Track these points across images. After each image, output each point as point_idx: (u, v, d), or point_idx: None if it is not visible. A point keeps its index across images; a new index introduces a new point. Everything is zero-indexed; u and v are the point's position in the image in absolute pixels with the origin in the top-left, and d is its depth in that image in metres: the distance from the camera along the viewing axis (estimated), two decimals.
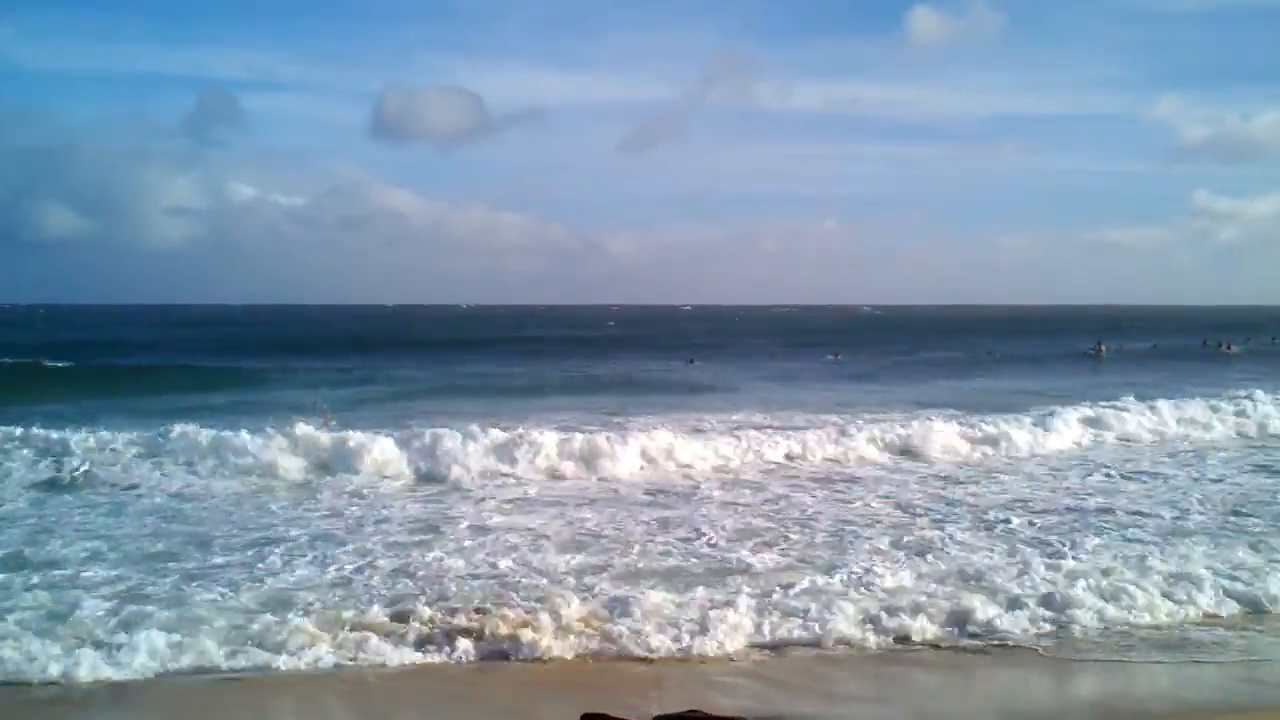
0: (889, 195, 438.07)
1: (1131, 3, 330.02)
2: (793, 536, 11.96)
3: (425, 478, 15.71)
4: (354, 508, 13.64)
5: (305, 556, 10.86)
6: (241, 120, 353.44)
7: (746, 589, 9.45)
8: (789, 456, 17.91)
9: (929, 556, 10.96)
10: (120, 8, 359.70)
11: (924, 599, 9.20)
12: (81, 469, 15.12)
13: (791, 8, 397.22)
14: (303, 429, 16.37)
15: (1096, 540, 11.76)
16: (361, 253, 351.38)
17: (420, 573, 10.20)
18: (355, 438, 16.41)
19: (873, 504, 14.15)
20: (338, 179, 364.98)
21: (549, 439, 16.69)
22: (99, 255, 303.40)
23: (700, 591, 9.45)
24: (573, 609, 8.68)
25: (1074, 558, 10.85)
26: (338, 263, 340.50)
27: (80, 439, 16.27)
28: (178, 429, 16.48)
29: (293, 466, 15.57)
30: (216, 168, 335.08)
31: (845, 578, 10.01)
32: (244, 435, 16.22)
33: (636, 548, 11.35)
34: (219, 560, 10.83)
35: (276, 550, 11.09)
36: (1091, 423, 21.21)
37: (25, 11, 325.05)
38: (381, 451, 16.04)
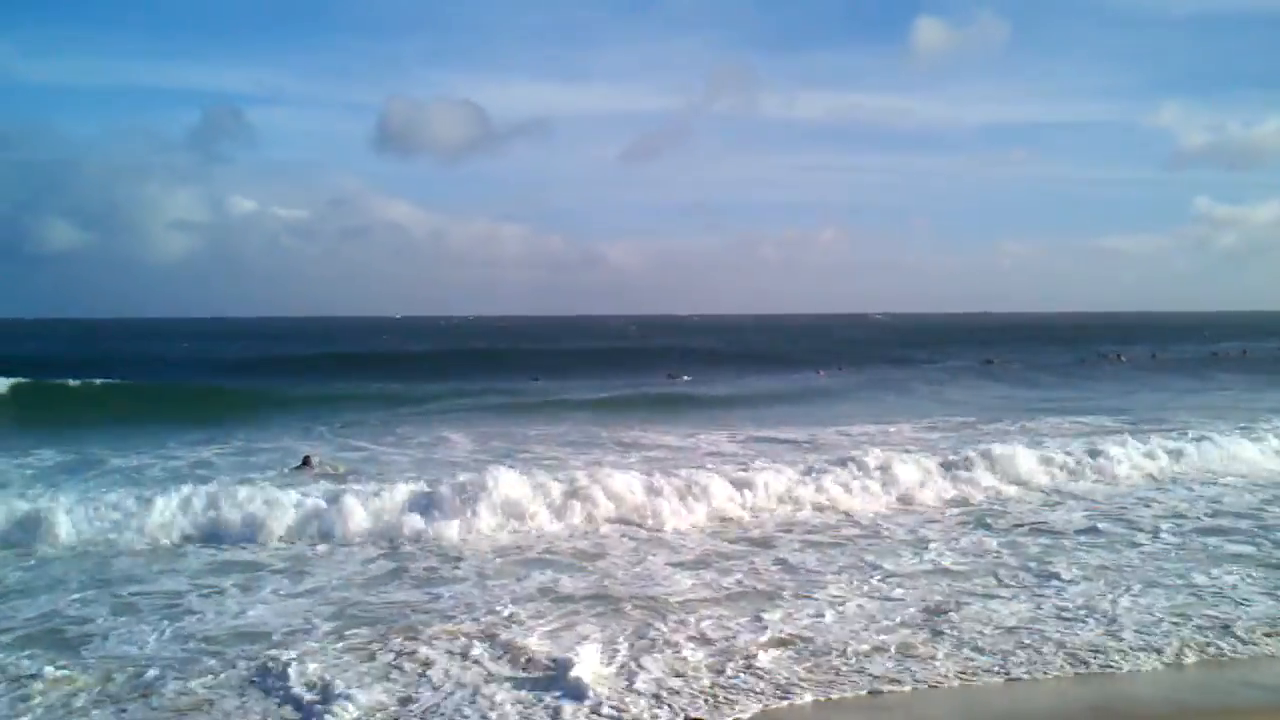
0: (891, 204, 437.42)
1: (1133, 10, 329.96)
2: None
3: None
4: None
5: None
6: (245, 134, 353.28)
7: None
8: None
9: None
10: (120, 24, 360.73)
11: None
12: None
13: (794, 19, 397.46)
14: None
15: None
16: (365, 265, 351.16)
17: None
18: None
19: None
20: (341, 192, 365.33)
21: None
22: (103, 269, 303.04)
23: None
24: None
25: None
26: (340, 275, 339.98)
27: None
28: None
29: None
30: (218, 182, 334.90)
31: None
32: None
33: None
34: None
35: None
36: None
37: (26, 28, 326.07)
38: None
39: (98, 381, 29.70)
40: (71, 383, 29.11)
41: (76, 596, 9.91)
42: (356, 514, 12.52)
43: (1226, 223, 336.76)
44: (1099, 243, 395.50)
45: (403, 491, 13.26)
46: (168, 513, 12.48)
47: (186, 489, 13.10)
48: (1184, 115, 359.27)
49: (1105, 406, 28.73)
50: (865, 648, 8.44)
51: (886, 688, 7.70)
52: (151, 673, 7.83)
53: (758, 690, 7.56)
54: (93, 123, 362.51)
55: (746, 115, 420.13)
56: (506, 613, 9.31)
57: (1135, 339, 77.57)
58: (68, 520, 12.05)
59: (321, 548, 11.97)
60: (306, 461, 17.10)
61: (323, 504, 12.81)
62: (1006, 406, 29.37)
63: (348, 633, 8.79)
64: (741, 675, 7.81)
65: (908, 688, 7.72)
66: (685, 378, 40.28)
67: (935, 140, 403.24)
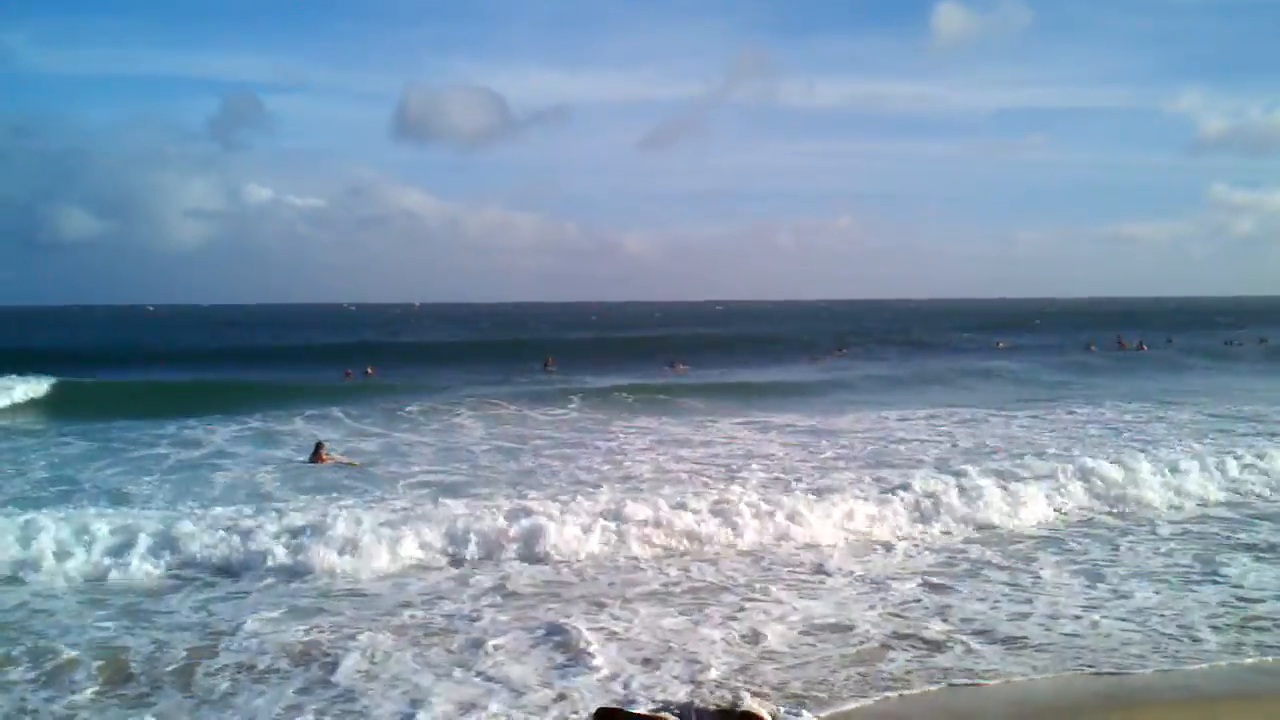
0: (909, 190, 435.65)
1: None
2: None
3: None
4: None
5: None
6: (263, 123, 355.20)
7: None
8: None
9: None
10: (133, 12, 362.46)
11: None
12: None
13: (811, 4, 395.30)
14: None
15: None
16: (383, 252, 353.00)
17: None
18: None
19: None
20: (359, 181, 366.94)
21: None
22: (122, 256, 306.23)
23: None
24: None
25: None
26: (359, 263, 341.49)
27: None
28: None
29: None
30: (235, 171, 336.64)
31: None
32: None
33: None
34: None
35: None
36: None
37: (40, 17, 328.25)
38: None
39: (125, 380, 30.29)
40: (100, 380, 29.77)
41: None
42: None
43: (1245, 208, 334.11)
44: (1116, 228, 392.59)
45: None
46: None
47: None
48: (1204, 101, 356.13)
49: (1118, 391, 28.87)
50: None
51: None
52: None
53: None
54: (111, 112, 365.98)
55: (763, 102, 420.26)
56: None
57: (1152, 325, 77.10)
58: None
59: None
60: (318, 450, 17.28)
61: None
62: (1019, 395, 29.41)
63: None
64: None
65: None
66: (684, 367, 40.35)
67: (953, 126, 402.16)
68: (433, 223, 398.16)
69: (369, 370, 37.20)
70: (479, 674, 7.85)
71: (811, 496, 13.18)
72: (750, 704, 7.06)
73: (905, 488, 13.58)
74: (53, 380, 27.97)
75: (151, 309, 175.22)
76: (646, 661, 8.07)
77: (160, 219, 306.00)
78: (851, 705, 7.28)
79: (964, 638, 8.62)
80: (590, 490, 14.07)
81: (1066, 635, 8.68)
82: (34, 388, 27.17)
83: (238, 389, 29.38)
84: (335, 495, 14.17)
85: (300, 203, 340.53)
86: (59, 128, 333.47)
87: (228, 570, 10.76)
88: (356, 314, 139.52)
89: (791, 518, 12.37)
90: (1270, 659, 8.18)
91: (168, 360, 44.35)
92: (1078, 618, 9.10)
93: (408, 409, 24.12)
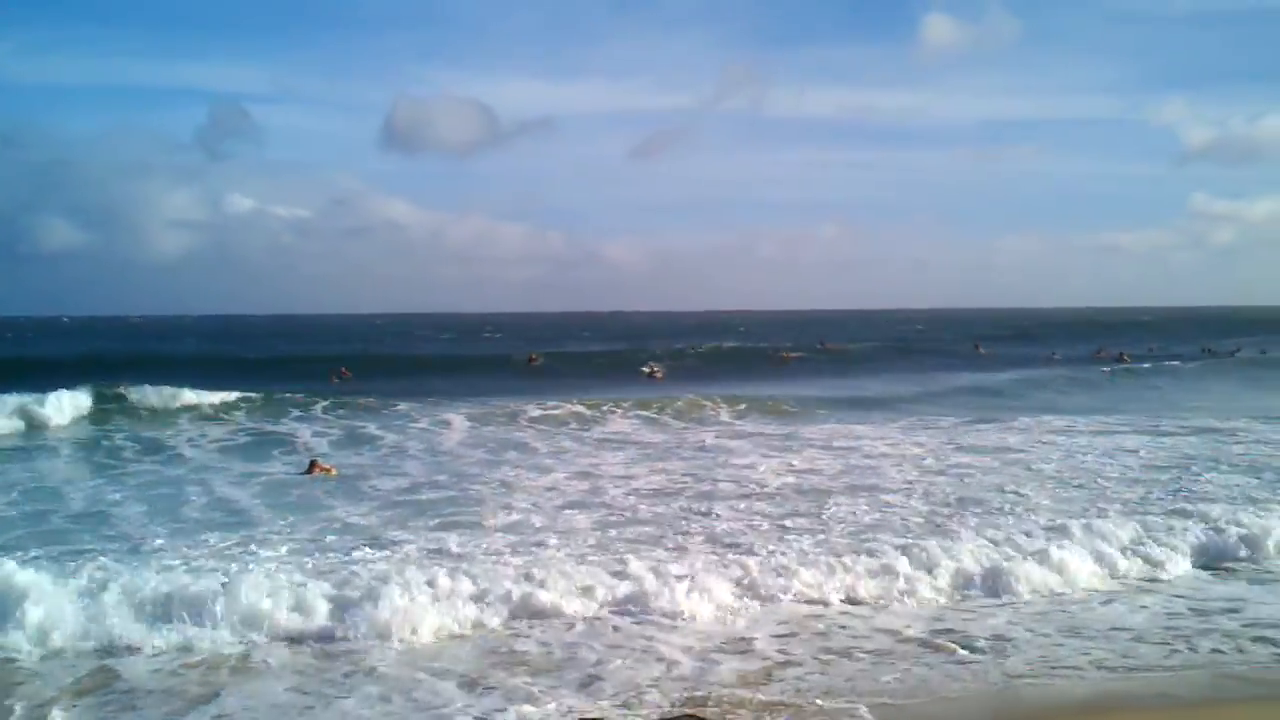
0: (896, 200, 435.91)
1: (1138, 5, 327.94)
2: None
3: None
4: None
5: None
6: (251, 133, 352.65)
7: None
8: None
9: None
10: (119, 22, 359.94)
11: None
12: None
13: (799, 14, 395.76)
14: None
15: None
16: (368, 262, 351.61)
17: None
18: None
19: None
20: (345, 191, 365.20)
21: None
22: (109, 268, 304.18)
23: None
24: None
25: None
26: (347, 273, 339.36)
27: None
28: None
29: None
30: (220, 180, 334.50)
31: None
32: None
33: None
34: None
35: None
36: None
37: (23, 27, 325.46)
38: None
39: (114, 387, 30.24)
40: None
41: None
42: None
43: (1227, 217, 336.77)
44: (1102, 238, 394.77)
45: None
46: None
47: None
48: (1189, 110, 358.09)
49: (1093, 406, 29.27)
50: None
51: None
52: None
53: None
54: (96, 122, 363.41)
55: (752, 112, 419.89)
56: None
57: (1136, 334, 77.68)
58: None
59: None
60: (313, 465, 17.69)
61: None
62: (994, 405, 29.68)
63: None
64: None
65: None
66: (660, 373, 41.16)
67: (940, 136, 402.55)
68: (419, 233, 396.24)
69: (344, 372, 38.95)
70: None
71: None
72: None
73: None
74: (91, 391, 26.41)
75: (137, 319, 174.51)
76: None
77: (145, 229, 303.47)
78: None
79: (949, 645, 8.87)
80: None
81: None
82: (80, 400, 25.52)
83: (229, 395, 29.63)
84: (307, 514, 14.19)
85: (286, 213, 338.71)
86: (43, 138, 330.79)
87: None
88: (349, 325, 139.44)
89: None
90: (1244, 666, 8.39)
91: (157, 367, 44.43)
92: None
93: (395, 406, 25.51)
